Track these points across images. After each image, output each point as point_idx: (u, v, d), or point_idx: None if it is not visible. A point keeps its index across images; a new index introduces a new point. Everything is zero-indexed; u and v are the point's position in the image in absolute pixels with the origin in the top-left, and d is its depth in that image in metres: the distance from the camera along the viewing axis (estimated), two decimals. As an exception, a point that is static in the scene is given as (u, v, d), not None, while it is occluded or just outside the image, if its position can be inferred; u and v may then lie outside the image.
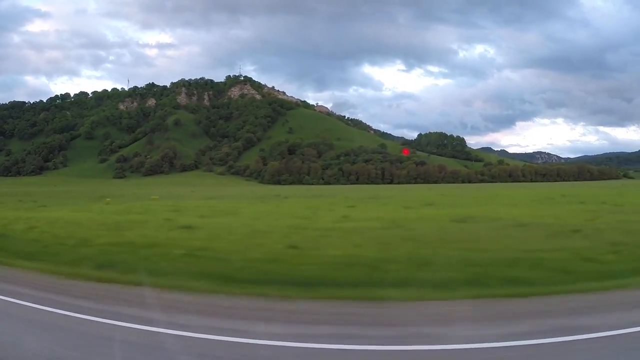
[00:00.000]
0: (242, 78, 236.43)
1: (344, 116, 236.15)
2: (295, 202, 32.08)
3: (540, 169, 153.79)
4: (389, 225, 13.49)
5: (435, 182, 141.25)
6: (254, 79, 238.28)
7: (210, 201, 34.52)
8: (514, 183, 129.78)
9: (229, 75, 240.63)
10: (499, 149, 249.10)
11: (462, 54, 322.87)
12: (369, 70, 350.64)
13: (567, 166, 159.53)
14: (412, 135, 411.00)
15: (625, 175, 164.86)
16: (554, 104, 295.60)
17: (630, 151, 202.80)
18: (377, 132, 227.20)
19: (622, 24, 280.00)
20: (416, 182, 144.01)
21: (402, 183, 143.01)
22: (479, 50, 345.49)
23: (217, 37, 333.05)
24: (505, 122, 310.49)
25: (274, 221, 15.78)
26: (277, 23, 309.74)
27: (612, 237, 10.43)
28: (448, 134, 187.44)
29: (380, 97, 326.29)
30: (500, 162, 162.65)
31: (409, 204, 25.88)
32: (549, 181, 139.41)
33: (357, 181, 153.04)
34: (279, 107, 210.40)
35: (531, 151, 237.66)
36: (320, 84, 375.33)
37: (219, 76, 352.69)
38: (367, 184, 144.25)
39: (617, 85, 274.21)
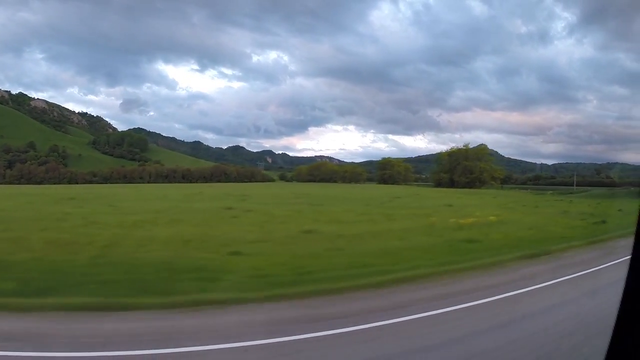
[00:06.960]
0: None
1: (81, 112, 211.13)
2: None
3: (163, 170, 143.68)
4: None
5: (39, 183, 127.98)
6: None
7: None
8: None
9: None
10: (281, 152, 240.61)
11: (255, 59, 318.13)
12: (163, 67, 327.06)
13: (206, 166, 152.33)
14: (205, 137, 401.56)
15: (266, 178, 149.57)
16: (345, 112, 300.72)
17: (414, 155, 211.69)
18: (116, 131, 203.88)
19: (408, 42, 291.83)
20: (20, 183, 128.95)
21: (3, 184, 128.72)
22: (273, 56, 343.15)
23: (3, 19, 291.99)
24: (298, 127, 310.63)
25: None
26: (68, 10, 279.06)
27: None
28: (134, 134, 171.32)
29: (174, 97, 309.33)
30: (157, 162, 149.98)
31: None
32: (170, 182, 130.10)
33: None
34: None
35: (313, 155, 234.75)
36: (112, 79, 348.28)
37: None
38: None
39: (403, 98, 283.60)
